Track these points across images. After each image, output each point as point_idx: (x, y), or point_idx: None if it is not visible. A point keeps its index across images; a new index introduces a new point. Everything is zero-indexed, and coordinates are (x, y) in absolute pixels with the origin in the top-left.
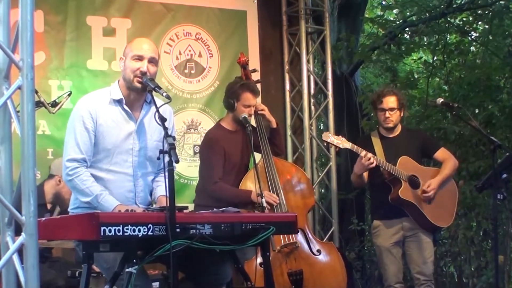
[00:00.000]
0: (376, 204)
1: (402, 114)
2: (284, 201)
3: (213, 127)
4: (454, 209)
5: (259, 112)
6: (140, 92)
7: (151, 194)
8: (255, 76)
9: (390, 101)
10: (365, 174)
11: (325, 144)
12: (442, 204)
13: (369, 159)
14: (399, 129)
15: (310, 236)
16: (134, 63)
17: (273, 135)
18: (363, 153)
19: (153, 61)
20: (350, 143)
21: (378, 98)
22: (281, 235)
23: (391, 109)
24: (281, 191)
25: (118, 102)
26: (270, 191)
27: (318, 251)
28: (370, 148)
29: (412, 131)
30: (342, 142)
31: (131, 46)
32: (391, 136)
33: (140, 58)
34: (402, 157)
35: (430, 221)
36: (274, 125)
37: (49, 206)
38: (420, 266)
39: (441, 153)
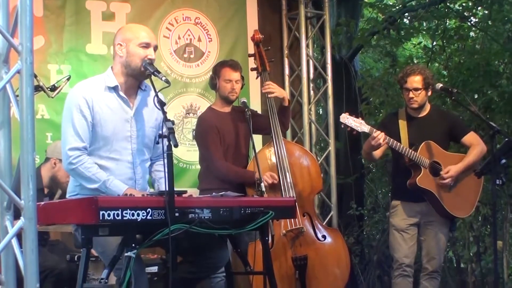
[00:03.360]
0: (397, 185)
1: (429, 94)
2: (292, 184)
3: (204, 110)
4: (476, 199)
5: (269, 95)
6: (137, 79)
7: (149, 183)
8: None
9: (415, 81)
10: (379, 152)
11: (342, 126)
12: (463, 193)
13: (378, 139)
14: (427, 108)
15: (316, 221)
16: (142, 50)
17: (282, 112)
18: (376, 133)
19: (155, 48)
20: (369, 127)
21: (402, 78)
22: (287, 219)
23: (415, 89)
24: (290, 173)
25: (114, 89)
26: (278, 173)
27: (323, 236)
28: (395, 128)
29: (441, 112)
30: (360, 125)
31: (134, 33)
32: (419, 116)
33: (147, 45)
34: (426, 142)
35: (447, 210)
36: (286, 103)
37: (46, 190)
38: (432, 256)
39: (469, 138)
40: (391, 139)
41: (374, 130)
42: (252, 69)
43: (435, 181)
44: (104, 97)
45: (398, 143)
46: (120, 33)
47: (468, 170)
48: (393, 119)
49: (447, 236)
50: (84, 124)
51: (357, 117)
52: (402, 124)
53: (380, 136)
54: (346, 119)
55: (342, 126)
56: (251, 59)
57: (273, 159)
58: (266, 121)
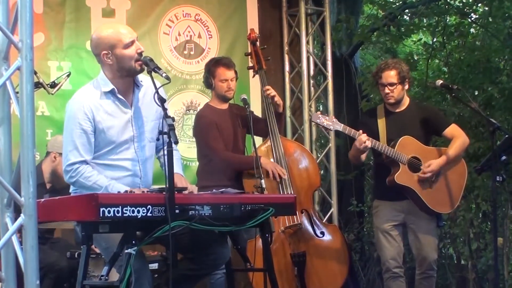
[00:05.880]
0: (378, 183)
1: (406, 87)
2: (289, 181)
3: (202, 107)
4: (460, 193)
5: (266, 93)
6: (132, 77)
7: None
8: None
9: (390, 76)
10: (364, 154)
11: (314, 125)
12: (445, 188)
13: (364, 141)
14: (406, 103)
15: (314, 217)
16: (129, 51)
17: (276, 118)
18: (357, 135)
19: (137, 39)
20: (342, 125)
21: (377, 73)
22: (286, 216)
23: (391, 84)
24: (287, 170)
25: (110, 93)
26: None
27: (322, 233)
28: (373, 125)
29: (420, 105)
30: (333, 124)
31: (114, 37)
32: (397, 111)
33: (132, 43)
34: (404, 137)
35: (429, 207)
36: (281, 110)
37: (48, 185)
38: (423, 256)
39: (451, 130)
40: (373, 140)
41: (353, 131)
42: (249, 68)
43: (415, 177)
44: (102, 104)
45: (378, 142)
46: (99, 41)
47: (450, 163)
48: (371, 116)
49: (435, 232)
50: (83, 138)
51: (329, 115)
52: (381, 120)
53: (364, 138)
54: (318, 118)
55: (314, 126)
56: None
57: (271, 156)
58: (262, 125)
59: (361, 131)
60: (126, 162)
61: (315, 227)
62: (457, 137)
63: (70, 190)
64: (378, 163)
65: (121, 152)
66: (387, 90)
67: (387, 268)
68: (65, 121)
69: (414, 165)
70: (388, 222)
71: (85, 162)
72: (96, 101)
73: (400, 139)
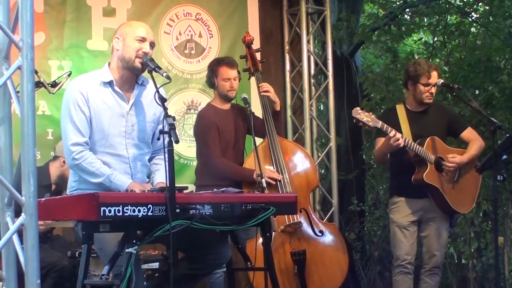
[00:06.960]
0: (398, 181)
1: None
2: (288, 180)
3: (204, 107)
4: (476, 193)
5: (262, 93)
6: (133, 74)
7: (148, 176)
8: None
9: (435, 76)
10: None
11: (354, 121)
12: (465, 189)
13: (398, 139)
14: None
15: (313, 216)
16: (137, 43)
17: (274, 117)
18: (392, 133)
19: (152, 45)
20: (380, 122)
21: (427, 73)
22: (285, 215)
23: (434, 85)
24: (286, 170)
25: (109, 84)
26: (274, 170)
27: (321, 231)
28: (396, 124)
29: (439, 106)
30: (372, 121)
31: (131, 27)
32: (419, 110)
33: (143, 39)
34: (431, 137)
35: (451, 206)
36: (278, 108)
37: (53, 187)
38: (433, 253)
39: (468, 133)
40: (406, 139)
41: (390, 129)
42: (245, 70)
43: (440, 177)
44: (99, 92)
45: (410, 141)
46: (119, 28)
47: (470, 163)
48: (393, 115)
49: (447, 231)
50: (83, 118)
51: (368, 112)
52: (403, 119)
53: (398, 135)
54: (358, 114)
55: (354, 121)
56: None
57: (269, 157)
58: (261, 125)
59: (394, 131)
60: (117, 158)
61: (314, 226)
62: (474, 140)
63: (68, 192)
64: (399, 160)
65: (111, 146)
66: (432, 90)
67: (400, 263)
68: (63, 104)
69: (440, 165)
70: (407, 218)
71: (87, 144)
72: (94, 87)
73: (427, 139)
